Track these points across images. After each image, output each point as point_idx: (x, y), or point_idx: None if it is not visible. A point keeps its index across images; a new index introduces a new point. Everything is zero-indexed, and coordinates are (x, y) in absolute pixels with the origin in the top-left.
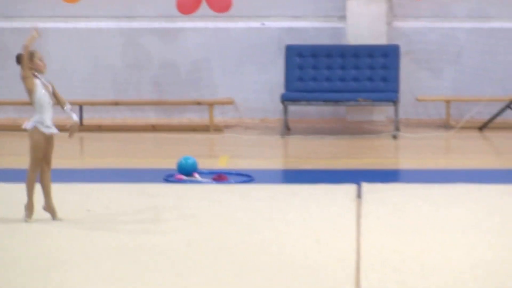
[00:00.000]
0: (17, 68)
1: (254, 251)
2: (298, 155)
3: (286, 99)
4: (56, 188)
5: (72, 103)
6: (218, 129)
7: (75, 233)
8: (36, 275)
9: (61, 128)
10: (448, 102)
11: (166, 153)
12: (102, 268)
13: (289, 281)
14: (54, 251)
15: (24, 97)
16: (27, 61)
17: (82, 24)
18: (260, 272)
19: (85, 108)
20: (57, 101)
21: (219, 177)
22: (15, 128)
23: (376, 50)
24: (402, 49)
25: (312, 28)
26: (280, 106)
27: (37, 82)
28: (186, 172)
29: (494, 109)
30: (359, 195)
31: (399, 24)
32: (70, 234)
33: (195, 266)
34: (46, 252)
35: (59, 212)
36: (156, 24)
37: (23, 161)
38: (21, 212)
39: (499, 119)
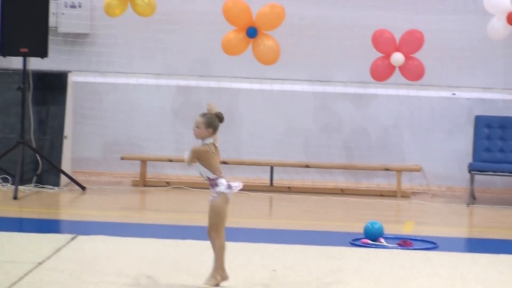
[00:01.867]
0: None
1: None
2: (483, 225)
3: (473, 169)
4: (243, 247)
5: (263, 164)
6: (405, 195)
7: None
8: None
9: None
10: None
11: (354, 217)
12: None
13: None
14: None
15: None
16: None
17: (276, 86)
18: None
19: (275, 169)
20: None
21: (404, 242)
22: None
23: None
24: None
25: (502, 100)
26: (467, 175)
27: None
28: (372, 236)
29: None
30: None
31: None
32: None
33: None
34: None
35: (245, 271)
36: (350, 89)
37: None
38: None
39: None
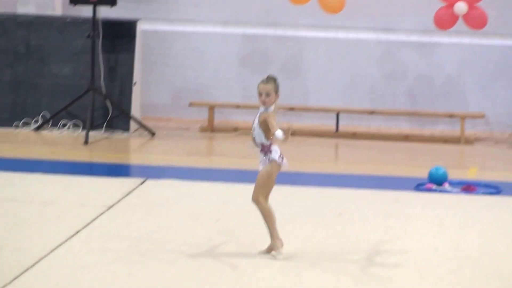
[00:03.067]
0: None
1: (496, 260)
2: None
3: None
4: (311, 192)
5: (329, 110)
6: (468, 141)
7: (324, 234)
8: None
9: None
10: None
11: (418, 162)
12: (350, 270)
13: None
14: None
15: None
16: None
17: (341, 35)
18: (501, 282)
19: (341, 115)
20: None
21: (468, 187)
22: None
23: None
24: None
25: None
26: None
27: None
28: (436, 181)
29: None
30: None
31: None
32: (318, 236)
33: (441, 273)
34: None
35: (311, 215)
36: (414, 38)
37: None
38: None
39: None
